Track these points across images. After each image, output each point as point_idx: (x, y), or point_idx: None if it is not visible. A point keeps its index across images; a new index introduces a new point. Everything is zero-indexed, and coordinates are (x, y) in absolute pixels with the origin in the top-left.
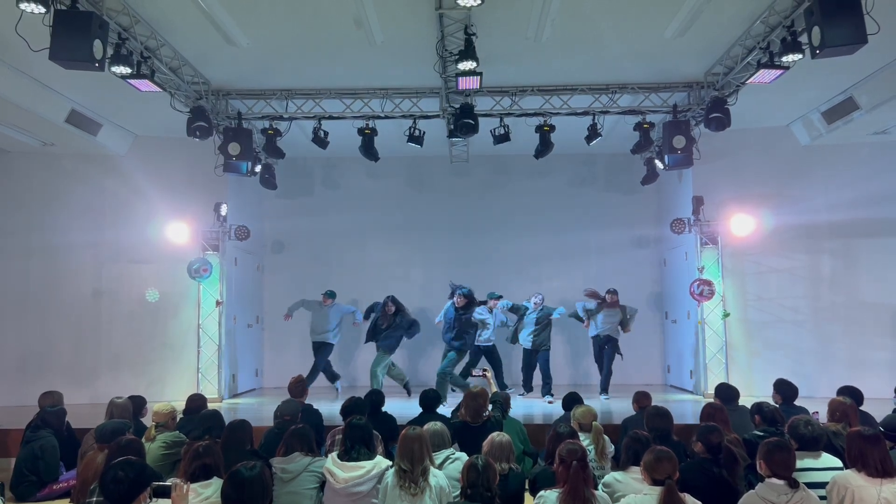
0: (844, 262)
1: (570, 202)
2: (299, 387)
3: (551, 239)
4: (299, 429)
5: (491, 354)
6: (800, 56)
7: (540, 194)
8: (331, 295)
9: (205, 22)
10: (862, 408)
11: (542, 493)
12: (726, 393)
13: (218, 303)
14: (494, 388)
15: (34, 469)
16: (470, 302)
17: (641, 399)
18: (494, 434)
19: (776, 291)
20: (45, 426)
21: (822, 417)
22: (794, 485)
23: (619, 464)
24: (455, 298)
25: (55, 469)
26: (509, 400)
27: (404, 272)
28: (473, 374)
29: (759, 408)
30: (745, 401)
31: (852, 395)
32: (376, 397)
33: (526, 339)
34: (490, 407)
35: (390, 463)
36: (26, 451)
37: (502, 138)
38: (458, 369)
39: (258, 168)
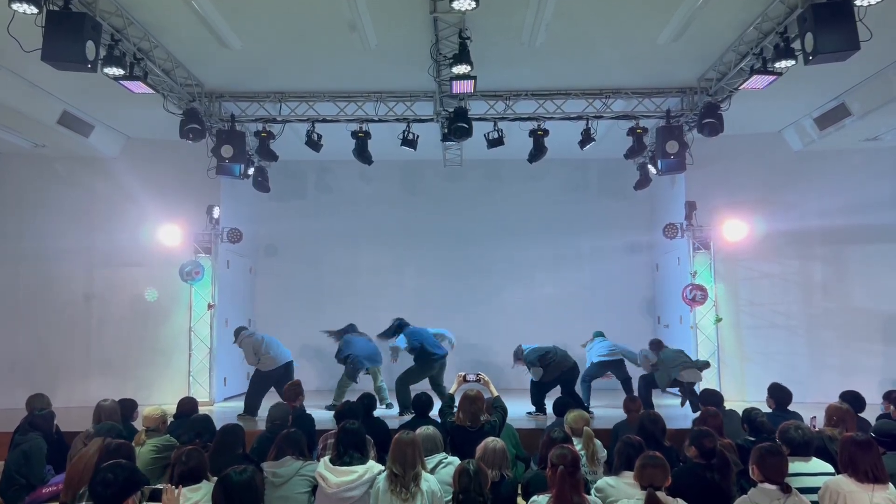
0: (836, 268)
1: (563, 207)
2: (292, 391)
3: (544, 243)
4: (291, 433)
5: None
6: (793, 62)
7: (533, 199)
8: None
9: (198, 24)
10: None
11: (534, 498)
12: (710, 398)
13: (210, 306)
14: (495, 393)
15: (23, 472)
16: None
17: (631, 404)
18: (488, 440)
19: (768, 297)
20: (34, 429)
21: (819, 422)
22: (786, 489)
23: (612, 469)
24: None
25: (41, 471)
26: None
27: (397, 276)
28: (468, 378)
29: (748, 416)
30: (737, 406)
31: (854, 400)
32: (368, 401)
33: None
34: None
35: (382, 468)
36: (15, 455)
37: (496, 142)
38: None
39: (251, 171)
